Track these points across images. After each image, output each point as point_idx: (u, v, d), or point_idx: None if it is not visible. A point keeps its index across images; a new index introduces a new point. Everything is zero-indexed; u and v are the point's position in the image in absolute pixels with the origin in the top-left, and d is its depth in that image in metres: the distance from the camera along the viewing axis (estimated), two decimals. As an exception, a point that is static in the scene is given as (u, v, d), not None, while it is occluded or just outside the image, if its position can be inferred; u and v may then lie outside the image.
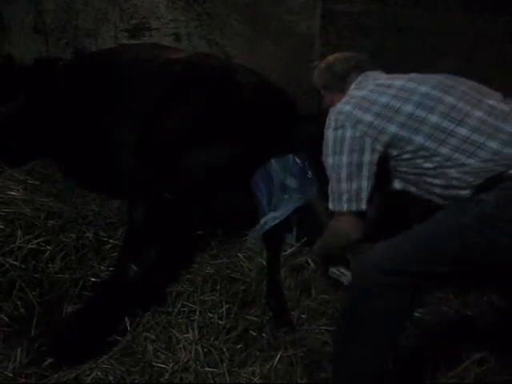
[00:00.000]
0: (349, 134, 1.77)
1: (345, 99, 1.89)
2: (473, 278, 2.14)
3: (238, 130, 2.42)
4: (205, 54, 2.99)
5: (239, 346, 2.00)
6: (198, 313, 2.09)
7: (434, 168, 1.68)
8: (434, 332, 2.06)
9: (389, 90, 1.79)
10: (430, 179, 1.72)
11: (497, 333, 2.00)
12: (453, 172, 1.64)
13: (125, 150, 2.57)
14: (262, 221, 2.38)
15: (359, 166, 1.77)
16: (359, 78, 2.00)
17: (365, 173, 1.77)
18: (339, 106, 1.85)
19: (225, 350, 1.96)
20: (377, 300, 1.54)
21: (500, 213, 1.48)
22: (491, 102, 1.69)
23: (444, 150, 1.65)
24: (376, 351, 1.59)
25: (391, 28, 2.83)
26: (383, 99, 1.76)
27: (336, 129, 1.81)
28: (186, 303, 2.15)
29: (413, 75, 1.86)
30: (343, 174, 1.78)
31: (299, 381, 1.85)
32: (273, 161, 2.46)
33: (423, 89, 1.74)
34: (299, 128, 2.57)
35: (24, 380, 1.82)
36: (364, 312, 1.58)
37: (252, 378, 1.85)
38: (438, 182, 1.70)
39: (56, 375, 1.84)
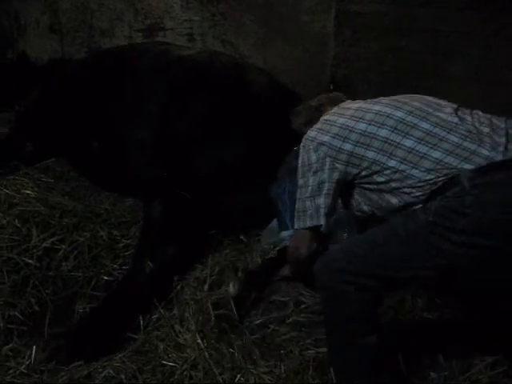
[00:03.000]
0: (313, 157, 1.92)
1: (314, 125, 2.01)
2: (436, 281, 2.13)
3: (250, 129, 2.42)
4: (216, 52, 3.00)
5: (250, 345, 2.00)
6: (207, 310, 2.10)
7: (387, 182, 1.77)
8: (446, 335, 2.04)
9: (346, 111, 1.94)
10: (387, 196, 1.80)
11: (510, 336, 1.98)
12: (402, 185, 1.73)
13: (139, 149, 2.58)
14: (284, 234, 2.35)
15: (320, 183, 1.90)
16: (334, 109, 2.09)
17: (325, 190, 1.90)
18: (308, 132, 1.99)
19: (236, 348, 1.96)
20: (338, 294, 1.63)
21: (441, 221, 1.54)
22: (441, 114, 1.76)
23: (392, 163, 1.74)
24: (350, 342, 1.65)
25: (404, 28, 2.82)
26: (340, 120, 1.90)
27: (303, 154, 1.96)
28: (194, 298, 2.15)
29: (372, 99, 1.97)
30: (307, 193, 1.93)
31: (311, 381, 1.85)
32: None
33: (376, 107, 1.86)
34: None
35: (38, 376, 1.84)
36: (329, 309, 1.69)
37: (263, 376, 1.85)
38: (394, 201, 1.78)
39: (68, 373, 1.85)
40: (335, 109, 2.04)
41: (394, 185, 1.75)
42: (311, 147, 1.93)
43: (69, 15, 3.92)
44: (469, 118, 1.75)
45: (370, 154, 1.79)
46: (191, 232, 2.34)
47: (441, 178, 1.63)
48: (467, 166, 1.59)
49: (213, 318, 2.02)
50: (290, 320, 2.16)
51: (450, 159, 1.63)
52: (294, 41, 3.17)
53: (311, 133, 1.96)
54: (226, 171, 2.40)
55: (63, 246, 2.36)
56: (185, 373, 1.86)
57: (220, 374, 1.85)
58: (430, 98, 1.89)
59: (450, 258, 1.55)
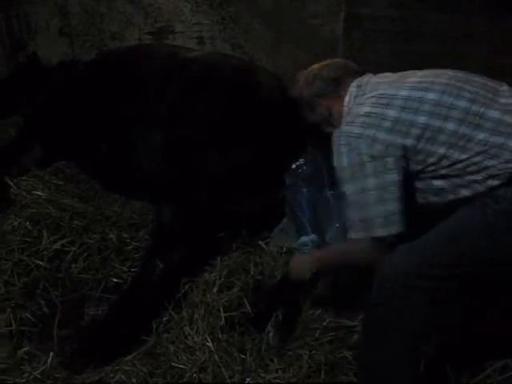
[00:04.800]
0: (366, 156, 1.67)
1: (349, 118, 1.79)
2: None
3: (260, 131, 2.42)
4: (225, 54, 3.00)
5: (260, 347, 2.01)
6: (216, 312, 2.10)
7: (458, 175, 1.64)
8: (455, 339, 2.04)
9: (394, 101, 1.71)
10: (456, 190, 1.66)
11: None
12: (477, 177, 1.61)
13: (149, 152, 2.59)
14: (304, 239, 2.33)
15: (386, 187, 1.66)
16: (354, 89, 1.92)
17: (394, 194, 1.66)
18: (345, 128, 1.75)
19: (247, 352, 1.97)
20: (400, 303, 1.53)
21: None
22: (503, 99, 1.65)
23: (465, 156, 1.61)
24: (399, 354, 1.58)
25: (413, 32, 2.82)
26: (391, 112, 1.68)
27: (350, 153, 1.70)
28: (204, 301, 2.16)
29: (413, 80, 1.77)
30: (371, 199, 1.67)
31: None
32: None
33: (431, 95, 1.67)
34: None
35: (51, 382, 1.84)
36: (388, 315, 1.57)
37: (273, 381, 1.86)
38: (465, 193, 1.65)
39: (80, 378, 1.86)
40: (371, 96, 1.79)
41: (468, 177, 1.62)
42: (361, 145, 1.67)
43: (79, 18, 3.93)
44: None
45: (438, 149, 1.63)
46: (201, 235, 2.34)
47: None
48: None
49: (223, 321, 2.02)
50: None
51: None
52: (303, 44, 3.17)
53: (354, 129, 1.71)
54: (235, 174, 2.40)
55: (73, 248, 2.37)
56: (194, 375, 1.86)
57: (229, 377, 1.85)
58: (478, 79, 1.73)
59: None
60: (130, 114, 2.73)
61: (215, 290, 2.16)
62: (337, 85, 1.99)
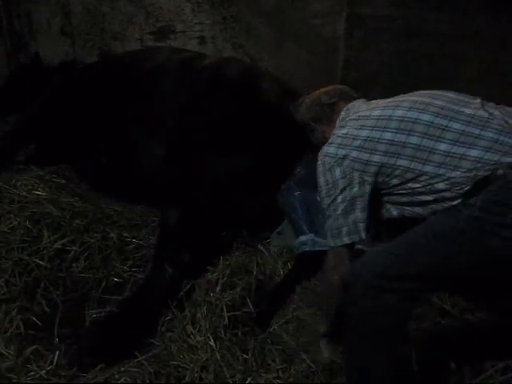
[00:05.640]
0: (338, 173, 1.85)
1: (330, 140, 1.94)
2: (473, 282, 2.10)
3: (263, 136, 2.43)
4: (229, 59, 3.00)
5: (262, 347, 2.01)
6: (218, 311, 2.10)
7: (424, 186, 1.73)
8: (457, 340, 2.03)
9: (367, 121, 1.86)
10: (422, 197, 1.77)
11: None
12: (441, 185, 1.69)
13: (153, 156, 2.60)
14: (303, 238, 2.35)
15: (352, 199, 1.83)
16: (343, 113, 2.05)
17: (359, 205, 1.83)
18: (324, 148, 1.92)
19: (249, 351, 1.96)
20: (370, 302, 1.55)
21: (488, 216, 1.49)
22: (469, 110, 1.72)
23: (428, 168, 1.70)
24: (376, 352, 1.58)
25: (415, 31, 2.82)
26: (363, 133, 1.83)
27: (325, 172, 1.88)
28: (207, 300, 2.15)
29: (388, 100, 1.91)
30: (339, 211, 1.85)
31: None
32: None
33: (398, 113, 1.79)
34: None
35: (56, 381, 1.83)
36: (361, 314, 1.59)
37: (274, 381, 1.85)
38: (430, 198, 1.75)
39: (85, 378, 1.85)
40: (353, 119, 1.94)
41: (431, 188, 1.72)
42: (333, 164, 1.86)
43: (80, 18, 3.94)
44: (497, 112, 1.71)
45: (403, 162, 1.75)
46: (205, 237, 2.34)
47: (481, 174, 1.61)
48: (508, 160, 1.58)
49: (226, 320, 2.02)
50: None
51: (490, 155, 1.61)
52: (304, 44, 3.17)
53: (330, 149, 1.89)
54: (239, 176, 2.40)
55: (74, 248, 2.37)
56: (196, 374, 1.86)
57: (231, 377, 1.84)
58: (452, 94, 1.82)
59: (497, 254, 1.49)
60: (133, 120, 2.74)
61: (218, 289, 2.17)
62: (331, 110, 2.14)
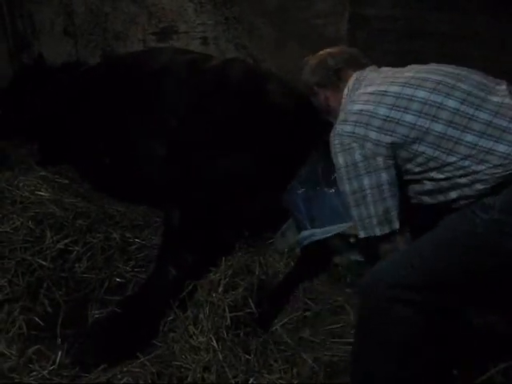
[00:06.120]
0: (358, 155, 1.69)
1: (341, 116, 1.80)
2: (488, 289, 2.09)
3: (267, 138, 2.43)
4: (233, 60, 3.00)
5: (265, 347, 2.00)
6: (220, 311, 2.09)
7: (447, 178, 1.62)
8: (458, 341, 2.03)
9: (385, 98, 1.70)
10: (444, 192, 1.66)
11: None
12: (464, 180, 1.59)
13: (156, 157, 2.60)
14: (305, 233, 2.36)
15: (380, 186, 1.69)
16: (352, 83, 1.93)
17: (387, 192, 1.69)
18: (338, 127, 1.76)
19: (252, 352, 1.96)
20: (384, 316, 1.51)
21: (508, 218, 1.44)
22: (496, 98, 1.61)
23: (453, 159, 1.59)
24: (386, 367, 1.55)
25: (417, 32, 2.81)
26: (381, 110, 1.68)
27: (343, 152, 1.72)
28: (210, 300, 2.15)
29: (406, 76, 1.75)
30: (368, 198, 1.71)
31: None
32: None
33: (421, 94, 1.65)
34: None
35: (58, 381, 1.83)
36: (374, 328, 1.55)
37: (276, 382, 1.85)
38: (454, 195, 1.64)
39: (87, 378, 1.85)
40: (365, 93, 1.78)
41: (455, 181, 1.60)
42: (354, 145, 1.69)
43: (83, 18, 3.95)
44: None
45: (426, 150, 1.61)
46: (207, 237, 2.35)
47: (508, 172, 1.51)
48: None
49: (228, 320, 2.02)
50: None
51: None
52: (307, 44, 3.16)
53: (347, 127, 1.72)
54: (241, 178, 2.40)
55: (76, 248, 2.37)
56: (198, 375, 1.86)
57: (233, 377, 1.84)
58: (476, 77, 1.68)
59: None
60: (135, 122, 2.74)
61: (220, 289, 2.16)
62: (338, 77, 2.02)
